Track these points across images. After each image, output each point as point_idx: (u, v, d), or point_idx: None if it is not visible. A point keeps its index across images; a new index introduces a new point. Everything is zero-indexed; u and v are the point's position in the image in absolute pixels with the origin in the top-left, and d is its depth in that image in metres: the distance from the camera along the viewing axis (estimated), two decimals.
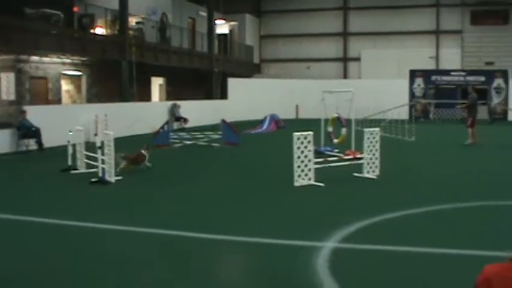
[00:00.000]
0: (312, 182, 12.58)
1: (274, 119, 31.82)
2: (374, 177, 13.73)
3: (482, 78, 41.92)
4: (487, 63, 46.20)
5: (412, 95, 42.15)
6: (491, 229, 8.33)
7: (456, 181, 13.65)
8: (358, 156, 14.76)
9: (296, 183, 12.41)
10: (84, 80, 31.18)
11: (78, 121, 20.14)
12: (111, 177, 13.07)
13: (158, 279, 6.45)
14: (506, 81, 41.52)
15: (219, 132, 24.26)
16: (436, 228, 8.86)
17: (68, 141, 15.36)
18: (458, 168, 16.25)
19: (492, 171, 15.36)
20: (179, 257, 7.35)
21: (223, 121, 23.18)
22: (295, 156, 12.40)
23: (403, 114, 33.90)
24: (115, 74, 29.60)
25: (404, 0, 47.93)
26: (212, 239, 8.25)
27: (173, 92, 37.66)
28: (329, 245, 7.72)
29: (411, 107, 40.29)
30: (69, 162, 15.18)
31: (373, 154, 13.98)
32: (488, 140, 22.67)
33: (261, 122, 31.58)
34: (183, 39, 37.45)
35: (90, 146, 15.73)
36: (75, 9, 28.49)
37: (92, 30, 28.92)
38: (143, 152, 15.19)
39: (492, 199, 10.31)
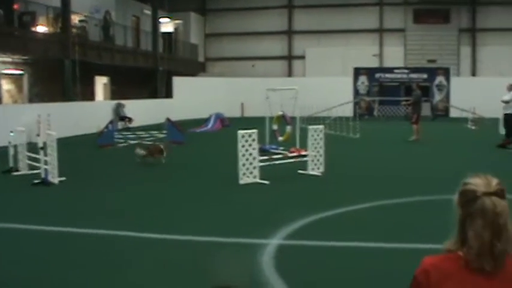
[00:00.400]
0: (257, 179, 12.64)
1: (219, 117, 31.78)
2: (318, 174, 13.87)
3: (425, 76, 42.82)
4: (430, 61, 47.17)
5: (356, 92, 42.72)
6: (430, 222, 8.48)
7: (399, 177, 13.89)
8: (303, 153, 14.87)
9: (241, 181, 12.44)
10: (25, 80, 30.47)
11: (19, 121, 19.69)
12: (54, 179, 12.85)
13: (92, 279, 6.41)
14: (448, 79, 42.54)
15: (164, 131, 24.10)
16: (379, 223, 9.02)
17: (9, 142, 15.02)
18: (402, 164, 16.55)
19: (434, 166, 15.68)
20: (117, 257, 7.29)
21: (168, 120, 23.04)
22: (240, 154, 12.44)
23: (348, 111, 34.26)
24: (58, 73, 29.04)
25: None
26: (157, 238, 8.20)
27: (117, 91, 37.19)
28: (274, 242, 7.77)
29: (355, 104, 40.77)
30: (11, 164, 14.86)
31: (318, 151, 14.12)
32: (431, 136, 23.14)
33: (206, 121, 31.49)
34: (127, 37, 37.06)
35: (32, 147, 15.43)
36: (16, 6, 27.80)
37: (33, 29, 28.31)
38: (162, 147, 16.36)
39: (433, 194, 10.53)
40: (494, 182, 2.43)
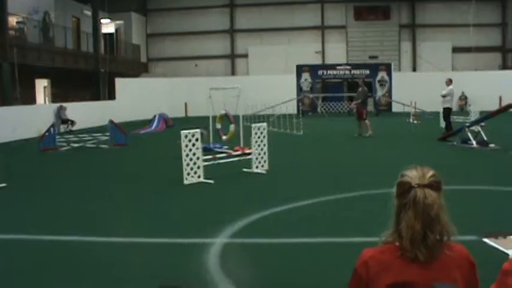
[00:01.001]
0: (202, 179, 12.62)
1: (163, 117, 31.61)
2: (263, 171, 13.94)
3: (367, 72, 43.33)
4: (371, 57, 47.93)
5: (299, 89, 42.97)
6: (373, 216, 8.63)
7: (343, 172, 14.07)
8: (247, 151, 14.92)
9: (186, 181, 12.41)
10: None
11: None
12: None
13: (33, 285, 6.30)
14: (390, 74, 43.18)
15: (107, 134, 23.83)
16: (324, 218, 9.12)
17: None
18: (345, 159, 16.74)
19: (378, 161, 15.93)
20: (62, 262, 7.19)
21: (111, 122, 22.79)
22: (184, 154, 12.40)
23: (291, 108, 34.53)
24: None
25: None
26: (102, 241, 8.12)
27: (59, 94, 36.56)
28: (219, 240, 7.78)
29: (299, 101, 41.10)
30: None
31: (261, 149, 14.18)
32: (375, 131, 23.45)
33: (150, 122, 31.29)
34: (67, 39, 36.45)
35: None
36: None
37: None
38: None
39: (376, 187, 10.70)
40: (429, 174, 2.50)
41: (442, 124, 26.09)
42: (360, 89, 24.23)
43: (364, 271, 2.53)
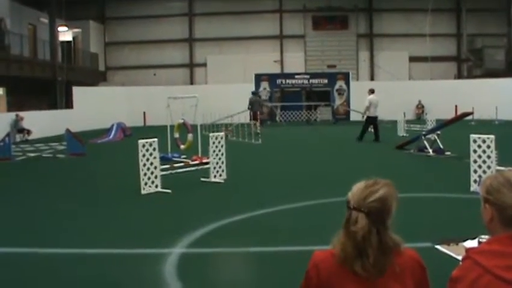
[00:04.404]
0: (159, 189, 12.57)
1: (121, 127, 31.36)
2: (221, 181, 13.94)
3: (325, 81, 43.80)
4: (330, 66, 48.32)
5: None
6: (332, 224, 8.71)
7: (300, 181, 14.10)
8: (205, 161, 14.91)
9: (143, 191, 12.34)
10: None
11: None
12: None
13: None
14: (348, 83, 43.70)
15: (64, 143, 23.53)
16: (281, 227, 9.15)
17: None
18: (303, 168, 16.78)
19: (335, 169, 16.08)
20: (11, 274, 7.07)
21: (68, 131, 22.52)
22: (141, 163, 12.33)
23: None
24: None
25: (248, 6, 48.92)
26: (59, 253, 8.00)
27: (14, 103, 35.93)
28: (177, 251, 7.75)
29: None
30: None
31: (219, 158, 14.19)
32: (332, 139, 23.65)
33: (108, 131, 31.01)
34: (23, 46, 35.90)
35: None
36: None
37: None
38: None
39: (333, 196, 10.78)
40: (373, 197, 2.50)
41: (400, 132, 26.52)
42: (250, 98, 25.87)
43: (314, 274, 2.56)
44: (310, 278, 2.58)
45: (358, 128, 24.74)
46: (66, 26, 42.03)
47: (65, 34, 42.89)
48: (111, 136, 30.02)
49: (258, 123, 27.53)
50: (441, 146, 18.58)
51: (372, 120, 23.93)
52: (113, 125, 31.24)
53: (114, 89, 45.01)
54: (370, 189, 2.53)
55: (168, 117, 18.11)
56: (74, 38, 44.96)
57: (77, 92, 39.49)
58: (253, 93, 34.54)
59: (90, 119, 37.10)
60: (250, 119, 30.30)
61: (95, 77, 47.81)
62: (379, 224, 2.48)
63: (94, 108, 38.69)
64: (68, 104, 39.30)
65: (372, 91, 24.14)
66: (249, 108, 31.56)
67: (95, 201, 11.97)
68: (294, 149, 22.75)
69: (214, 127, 28.46)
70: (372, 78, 49.00)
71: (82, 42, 46.61)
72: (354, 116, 40.12)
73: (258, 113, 29.30)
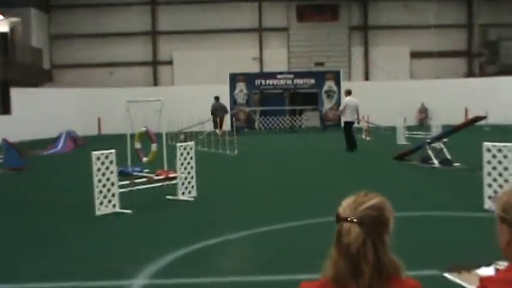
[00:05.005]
0: (117, 209, 12.52)
1: (71, 136, 31.21)
2: (190, 199, 13.93)
3: (312, 81, 43.91)
4: (317, 64, 48.49)
5: (233, 102, 43.13)
6: (315, 249, 8.74)
7: (283, 198, 14.10)
8: (172, 175, 14.89)
9: (98, 212, 12.28)
10: None
11: None
12: None
13: None
14: (338, 83, 43.56)
15: (0, 156, 23.37)
16: (256, 252, 9.17)
17: None
18: (287, 183, 16.81)
19: (324, 184, 16.11)
20: None
21: (5, 141, 22.36)
22: (96, 179, 12.27)
23: (224, 124, 34.56)
24: None
25: None
26: None
27: None
28: (138, 282, 7.72)
29: (232, 116, 41.17)
30: None
31: (188, 173, 14.18)
32: (321, 149, 23.72)
33: (55, 141, 30.83)
34: None
35: None
36: None
37: None
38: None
39: (321, 215, 10.80)
40: (366, 205, 2.53)
41: (400, 141, 26.71)
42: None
43: None
44: None
45: None
46: (1, 14, 41.60)
47: (1, 24, 42.38)
48: (59, 147, 29.84)
49: (220, 131, 28.25)
50: (449, 156, 18.71)
51: (346, 126, 24.53)
52: (61, 134, 31.06)
53: (62, 91, 44.78)
54: (362, 198, 2.57)
55: (127, 125, 18.05)
56: (11, 29, 44.45)
57: (16, 94, 39.20)
58: (216, 98, 35.18)
59: (33, 127, 36.89)
60: (215, 128, 30.72)
61: (39, 77, 47.33)
62: (374, 236, 2.50)
63: (37, 113, 38.48)
64: (5, 109, 38.93)
65: (348, 92, 25.09)
66: (212, 114, 32.47)
67: (37, 225, 11.88)
68: (274, 161, 22.79)
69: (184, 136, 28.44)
70: (367, 78, 49.35)
71: (22, 34, 46.09)
72: None
73: (223, 118, 30.28)
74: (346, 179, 17.02)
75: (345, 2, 49.31)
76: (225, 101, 42.02)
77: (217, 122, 31.59)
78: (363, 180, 16.08)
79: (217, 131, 29.31)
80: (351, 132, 24.48)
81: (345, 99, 24.88)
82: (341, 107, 24.90)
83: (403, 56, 49.05)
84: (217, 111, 32.28)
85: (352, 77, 48.68)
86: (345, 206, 2.56)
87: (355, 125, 25.12)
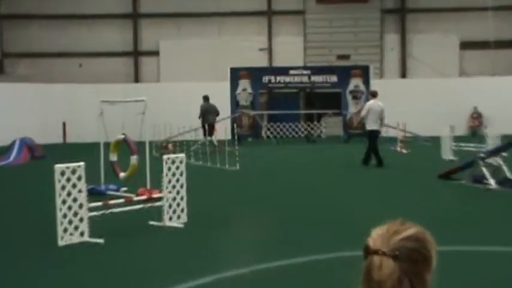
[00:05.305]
0: (86, 238, 12.52)
1: (26, 144, 31.23)
2: (179, 225, 13.94)
3: (334, 79, 43.66)
4: (340, 57, 48.35)
5: (235, 104, 43.04)
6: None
7: (293, 225, 14.11)
8: (156, 196, 14.91)
9: (61, 242, 12.26)
10: None
11: None
12: None
13: None
14: (367, 82, 43.18)
15: None
16: None
17: None
18: (301, 206, 16.79)
19: (347, 210, 16.08)
20: None
21: None
22: (59, 200, 12.26)
23: (223, 132, 34.62)
24: None
25: None
26: None
27: None
28: None
29: (234, 121, 41.04)
30: None
31: (177, 192, 14.19)
32: (344, 165, 23.67)
33: (7, 151, 30.90)
34: None
35: None
36: None
37: None
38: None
39: (341, 249, 10.81)
40: (401, 236, 2.55)
41: (446, 155, 26.65)
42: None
43: None
44: None
45: (381, 147, 24.76)
46: None
47: None
48: (11, 158, 29.89)
49: (213, 139, 28.41)
50: (509, 175, 18.68)
51: (370, 136, 24.43)
52: (14, 142, 31.11)
53: (16, 86, 44.63)
54: (397, 227, 2.59)
55: (101, 131, 18.10)
56: None
57: None
58: (205, 98, 34.33)
59: None
60: (205, 135, 30.69)
61: None
62: (412, 274, 2.51)
63: None
64: None
65: (373, 94, 25.09)
66: (201, 118, 32.50)
67: None
68: (285, 178, 22.77)
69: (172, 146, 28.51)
70: (404, 75, 49.21)
71: None
72: None
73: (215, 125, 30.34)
74: (377, 203, 16.93)
75: None
76: (225, 102, 42.07)
77: (206, 129, 31.11)
78: (397, 205, 16.09)
79: (211, 138, 29.31)
80: (375, 143, 24.47)
81: (368, 103, 25.04)
82: (363, 113, 24.77)
83: (451, 46, 48.80)
84: (209, 114, 32.05)
85: (384, 73, 48.60)
86: (376, 236, 2.58)
87: (381, 134, 25.20)
